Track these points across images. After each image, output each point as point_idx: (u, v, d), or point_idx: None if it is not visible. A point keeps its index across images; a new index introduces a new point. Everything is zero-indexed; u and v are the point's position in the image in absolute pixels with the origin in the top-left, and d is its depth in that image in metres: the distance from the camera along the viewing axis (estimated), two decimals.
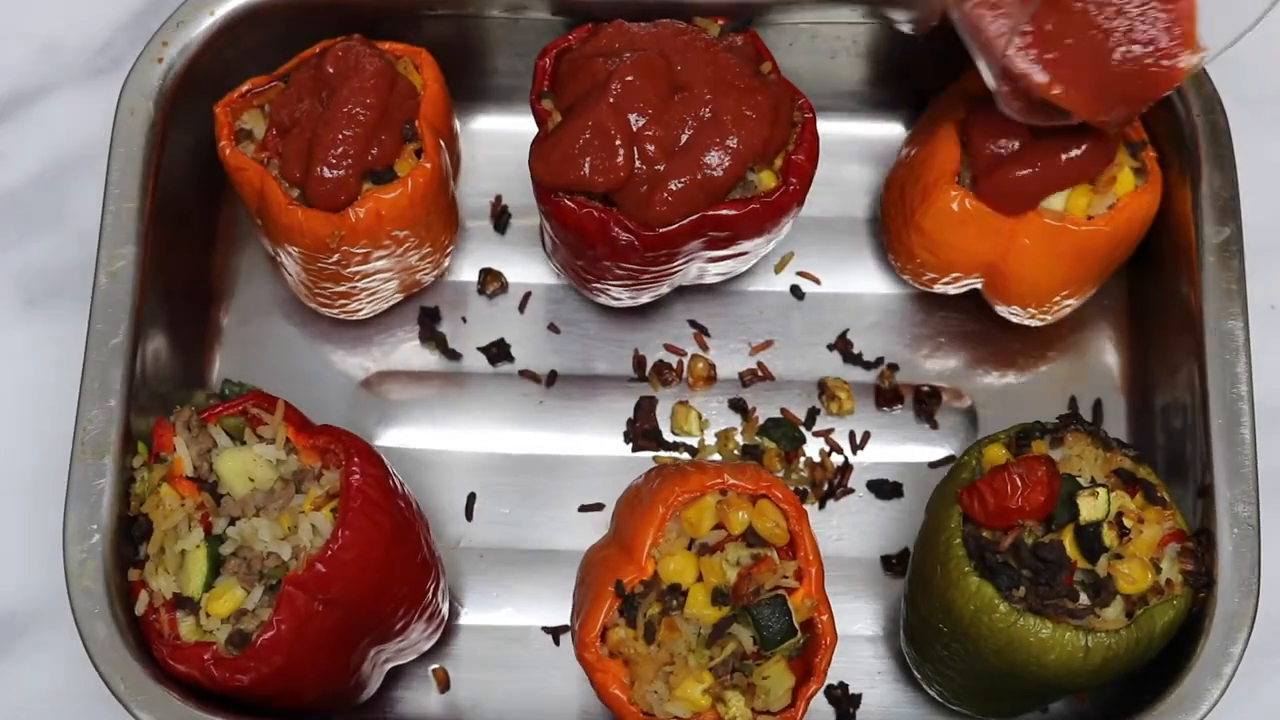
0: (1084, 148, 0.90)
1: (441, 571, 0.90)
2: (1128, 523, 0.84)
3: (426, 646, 0.93)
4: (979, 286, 0.98)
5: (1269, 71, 1.07)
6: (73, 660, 0.88)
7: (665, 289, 0.98)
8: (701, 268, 0.96)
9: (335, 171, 0.89)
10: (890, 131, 1.06)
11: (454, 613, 0.98)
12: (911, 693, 0.97)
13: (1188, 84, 0.95)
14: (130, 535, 0.87)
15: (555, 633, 0.97)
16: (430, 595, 0.88)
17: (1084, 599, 0.83)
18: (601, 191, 0.88)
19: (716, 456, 1.01)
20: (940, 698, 0.93)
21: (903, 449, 1.02)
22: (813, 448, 1.01)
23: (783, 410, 1.02)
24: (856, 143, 1.06)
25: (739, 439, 1.01)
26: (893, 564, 0.99)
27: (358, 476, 0.83)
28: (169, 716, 0.84)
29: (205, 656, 0.81)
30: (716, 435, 1.01)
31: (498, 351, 1.03)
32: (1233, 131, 0.94)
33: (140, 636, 0.85)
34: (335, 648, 0.84)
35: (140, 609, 0.84)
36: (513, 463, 1.01)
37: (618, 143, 0.87)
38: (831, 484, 1.00)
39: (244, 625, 0.82)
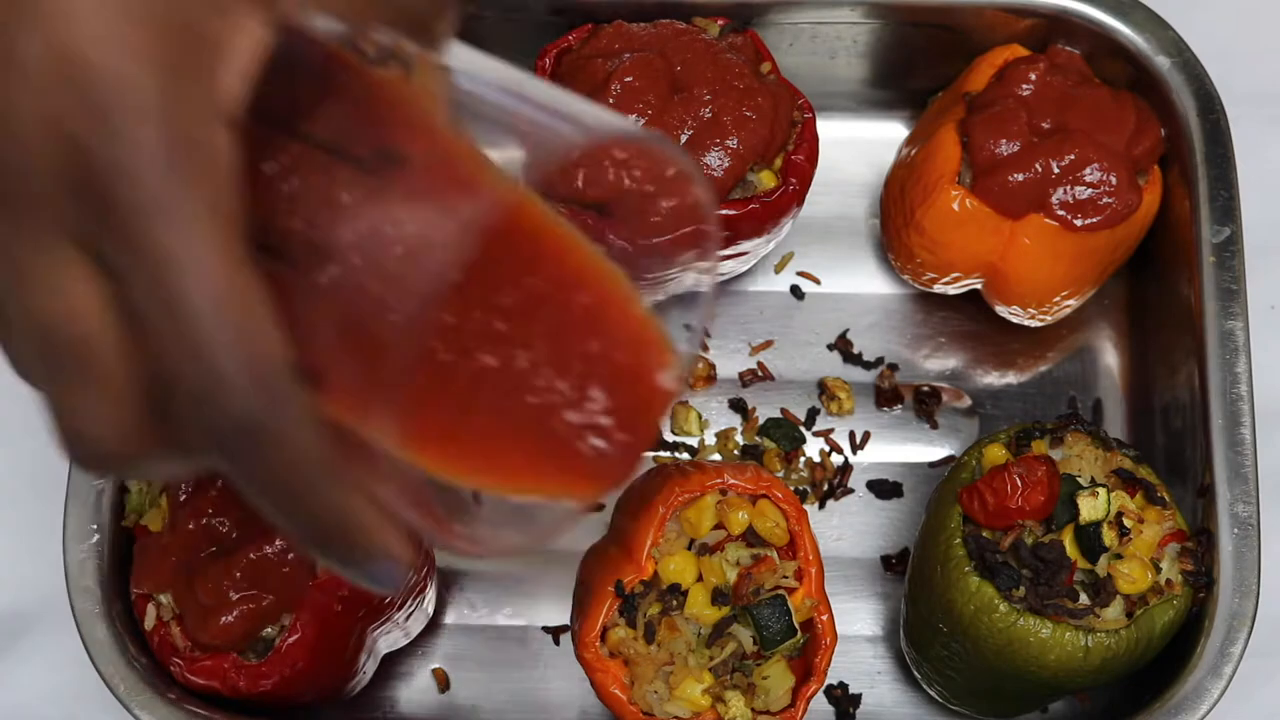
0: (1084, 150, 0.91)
1: (431, 553, 0.90)
2: (1128, 523, 0.84)
3: (418, 629, 0.93)
4: (979, 287, 0.98)
5: (1268, 71, 1.07)
6: (73, 661, 0.88)
7: (661, 297, 0.97)
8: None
9: None
10: (890, 131, 1.06)
11: (453, 611, 0.98)
12: (911, 693, 0.97)
13: (1187, 84, 0.95)
14: (131, 541, 0.87)
15: (555, 633, 0.97)
16: (425, 577, 0.88)
17: (1084, 599, 0.83)
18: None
19: (716, 456, 1.01)
20: (940, 698, 0.93)
21: (903, 449, 1.02)
22: (813, 448, 1.01)
23: (783, 410, 1.02)
24: (856, 143, 1.06)
25: (739, 439, 1.01)
26: (893, 564, 0.99)
27: None
28: (168, 717, 0.84)
29: (226, 665, 0.81)
30: (716, 435, 1.01)
31: None
32: (1232, 131, 0.94)
33: (140, 636, 0.85)
34: (347, 642, 0.84)
35: (149, 624, 0.84)
36: None
37: None
38: (831, 484, 1.00)
39: (265, 632, 0.82)
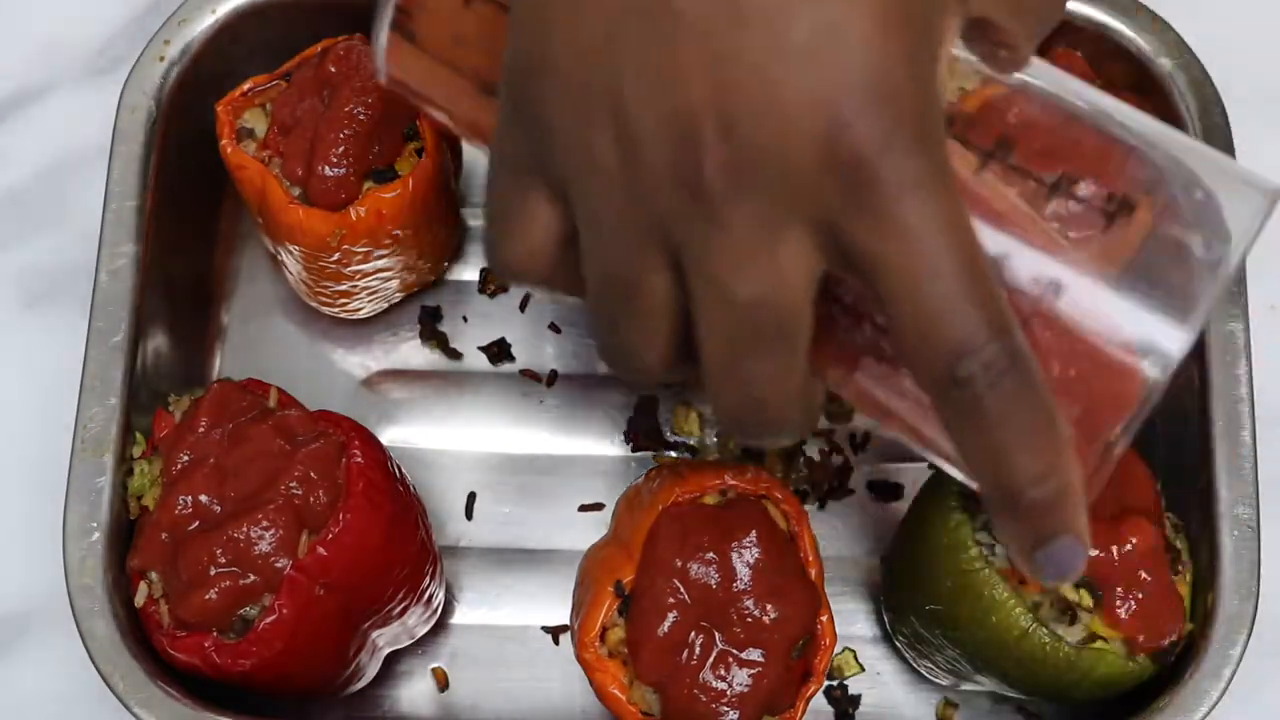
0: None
1: (438, 556, 0.90)
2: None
3: (423, 630, 0.93)
4: None
5: (1269, 71, 1.07)
6: (73, 660, 0.87)
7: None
8: None
9: (336, 170, 0.89)
10: None
11: (453, 611, 0.98)
12: (912, 694, 0.97)
13: (1187, 85, 0.95)
14: (131, 536, 0.87)
15: (554, 632, 0.97)
16: (428, 579, 0.88)
17: (1069, 594, 0.82)
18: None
19: (716, 457, 1.01)
20: (907, 654, 0.93)
21: (903, 449, 1.01)
22: (813, 448, 1.01)
23: None
24: None
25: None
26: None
27: (359, 459, 0.83)
28: (169, 716, 0.84)
29: (206, 644, 0.81)
30: (717, 435, 1.01)
31: (498, 351, 1.03)
32: (1233, 131, 0.94)
33: (141, 634, 0.85)
34: (336, 633, 0.84)
35: (140, 600, 0.84)
36: (513, 462, 1.01)
37: None
38: (832, 484, 1.00)
39: (244, 611, 0.82)
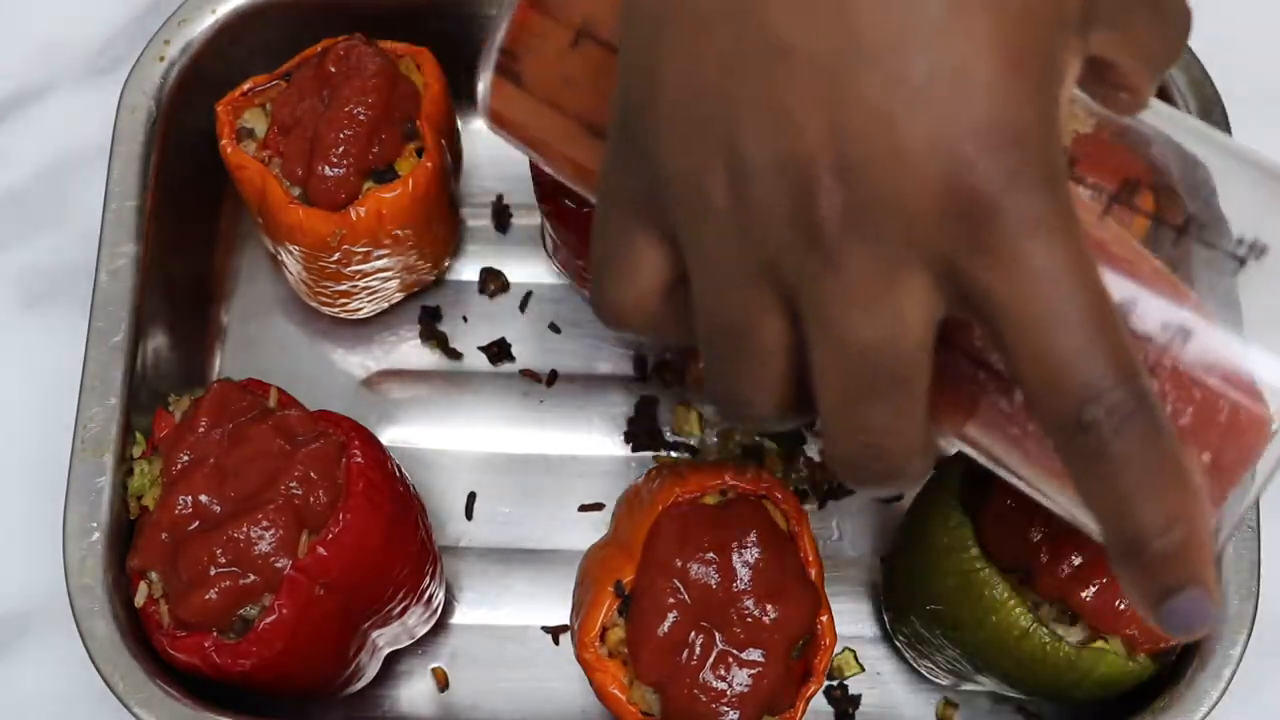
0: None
1: (438, 556, 0.90)
2: None
3: (423, 630, 0.93)
4: None
5: (1269, 71, 1.07)
6: (73, 660, 0.87)
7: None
8: None
9: (336, 170, 0.89)
10: None
11: (453, 611, 0.98)
12: (912, 694, 0.97)
13: (1187, 85, 0.95)
14: (131, 536, 0.87)
15: (554, 632, 0.97)
16: (428, 578, 0.88)
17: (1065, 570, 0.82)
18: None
19: (716, 457, 1.01)
20: (907, 654, 0.93)
21: None
22: (813, 448, 1.01)
23: None
24: None
25: (740, 439, 1.01)
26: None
27: (359, 459, 0.83)
28: (169, 716, 0.84)
29: (206, 644, 0.81)
30: (718, 435, 1.01)
31: (498, 351, 1.03)
32: (1233, 131, 0.94)
33: (141, 634, 0.85)
34: (336, 633, 0.84)
35: (140, 600, 0.84)
36: (513, 462, 1.01)
37: None
38: (831, 484, 1.00)
39: (244, 611, 0.82)
